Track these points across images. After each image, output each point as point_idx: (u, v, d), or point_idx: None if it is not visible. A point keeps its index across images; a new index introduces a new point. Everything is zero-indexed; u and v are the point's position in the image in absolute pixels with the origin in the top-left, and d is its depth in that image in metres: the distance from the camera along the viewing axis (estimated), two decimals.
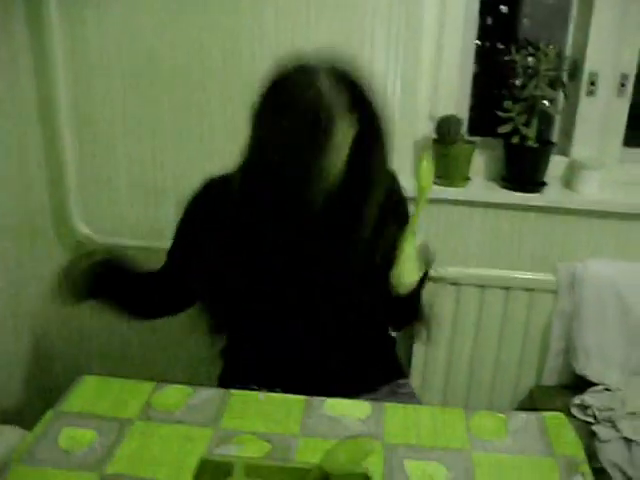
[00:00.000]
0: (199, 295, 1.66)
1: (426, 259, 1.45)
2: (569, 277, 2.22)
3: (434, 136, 2.17)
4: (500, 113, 2.16)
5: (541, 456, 1.31)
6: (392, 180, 1.59)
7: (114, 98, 2.18)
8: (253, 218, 1.48)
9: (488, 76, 2.35)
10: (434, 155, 2.17)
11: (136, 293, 1.70)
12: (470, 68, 2.27)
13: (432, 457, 1.29)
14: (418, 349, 2.34)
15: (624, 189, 2.26)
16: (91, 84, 2.17)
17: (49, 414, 1.38)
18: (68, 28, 2.10)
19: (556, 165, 2.26)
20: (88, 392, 1.46)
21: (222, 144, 2.19)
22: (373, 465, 1.21)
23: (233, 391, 1.48)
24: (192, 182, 2.21)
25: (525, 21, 2.43)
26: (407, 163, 2.22)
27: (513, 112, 2.14)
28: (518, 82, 2.18)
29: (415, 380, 2.34)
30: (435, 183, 2.17)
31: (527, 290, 2.25)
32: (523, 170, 2.20)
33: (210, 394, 1.46)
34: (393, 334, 1.81)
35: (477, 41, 2.26)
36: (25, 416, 2.41)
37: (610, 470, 1.90)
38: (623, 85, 2.19)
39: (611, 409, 2.05)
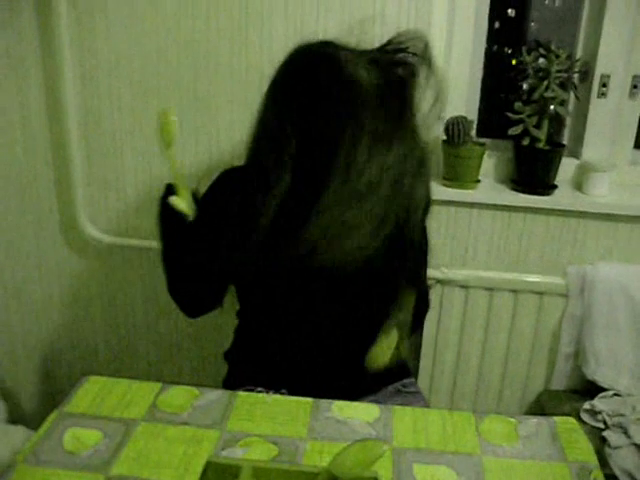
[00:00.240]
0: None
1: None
2: (579, 280, 2.20)
3: (443, 137, 2.15)
4: (510, 115, 2.14)
5: (553, 462, 1.29)
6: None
7: (122, 99, 2.17)
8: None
9: (496, 79, 2.34)
10: (443, 156, 2.15)
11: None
12: (479, 69, 2.25)
13: (441, 461, 1.27)
14: (426, 352, 2.32)
15: (635, 192, 2.23)
16: (99, 84, 2.16)
17: (54, 414, 1.36)
18: (77, 29, 2.09)
19: (566, 167, 2.24)
20: (93, 392, 1.44)
21: (229, 144, 2.18)
22: (382, 469, 1.20)
23: (240, 393, 1.47)
24: (198, 183, 2.22)
25: (532, 25, 2.42)
26: None
27: (523, 114, 2.13)
28: (525, 85, 2.18)
29: (422, 383, 2.33)
30: (445, 185, 2.16)
31: (536, 293, 2.23)
32: (533, 172, 2.18)
33: (216, 396, 1.45)
34: None
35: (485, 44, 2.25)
36: (31, 416, 2.40)
37: (621, 477, 1.88)
38: (635, 87, 2.17)
39: (622, 415, 2.04)
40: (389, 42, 1.53)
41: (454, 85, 2.17)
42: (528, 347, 2.30)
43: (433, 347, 2.31)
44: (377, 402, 1.49)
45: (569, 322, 2.24)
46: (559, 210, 2.18)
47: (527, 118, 2.13)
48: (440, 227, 2.21)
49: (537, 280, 2.23)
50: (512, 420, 1.42)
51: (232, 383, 1.71)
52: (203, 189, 1.69)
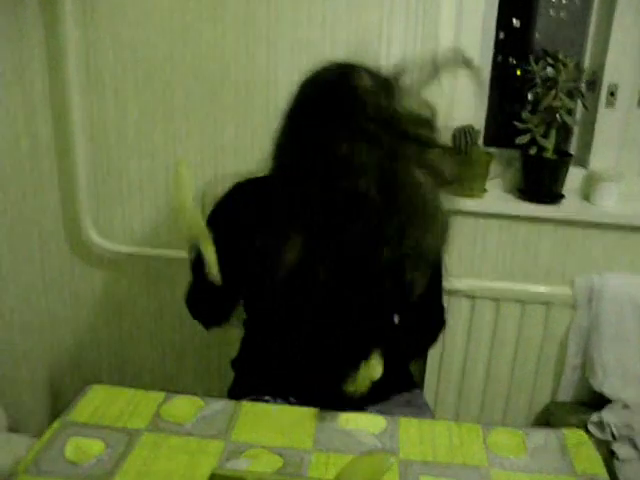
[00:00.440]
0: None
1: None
2: (586, 291, 2.18)
3: (450, 146, 2.14)
4: (518, 124, 2.13)
5: (562, 475, 1.28)
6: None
7: (127, 104, 2.16)
8: (290, 218, 1.45)
9: (501, 89, 2.32)
10: None
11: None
12: (487, 79, 2.24)
13: (449, 474, 1.26)
14: (432, 363, 2.30)
15: None
16: (105, 92, 2.15)
17: (56, 423, 1.35)
18: (82, 30, 2.08)
19: (574, 177, 2.22)
20: (96, 402, 1.43)
21: (237, 152, 2.17)
22: None
23: (244, 403, 1.46)
24: (204, 190, 2.21)
25: (537, 35, 2.41)
26: None
27: (531, 123, 2.11)
28: (530, 95, 2.17)
29: (428, 393, 2.31)
30: (452, 194, 2.15)
31: (543, 304, 2.21)
32: (541, 182, 2.16)
33: (221, 406, 1.43)
34: None
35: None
36: (33, 425, 2.39)
37: None
38: None
39: (630, 427, 2.01)
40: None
41: (462, 92, 2.16)
42: (535, 358, 2.28)
43: (439, 357, 2.29)
44: (384, 412, 1.48)
45: (576, 333, 2.22)
46: (566, 220, 2.17)
47: (534, 127, 2.11)
48: None
49: (544, 290, 2.21)
50: (520, 432, 1.41)
51: (238, 392, 1.70)
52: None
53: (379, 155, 1.34)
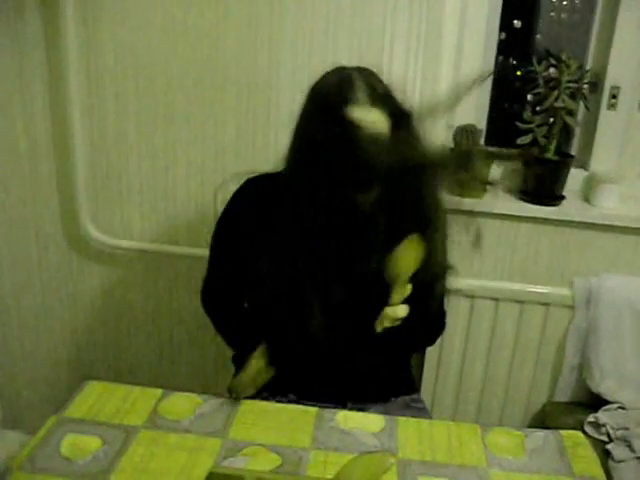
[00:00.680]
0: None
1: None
2: (585, 292, 2.17)
3: (451, 145, 2.13)
4: (519, 124, 2.12)
5: (560, 476, 1.27)
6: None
7: (127, 102, 2.15)
8: (301, 216, 1.44)
9: (501, 90, 2.31)
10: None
11: None
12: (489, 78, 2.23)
13: (447, 474, 1.25)
14: (429, 362, 2.30)
15: None
16: (104, 88, 2.14)
17: (52, 420, 1.34)
18: (83, 30, 2.07)
19: (575, 178, 2.22)
20: (93, 398, 1.42)
21: (235, 148, 2.16)
22: None
23: (243, 401, 1.45)
24: (204, 187, 2.20)
25: (538, 37, 2.40)
26: None
27: (533, 123, 2.11)
28: (530, 97, 2.18)
29: (426, 392, 2.31)
30: (452, 194, 2.14)
31: (542, 304, 2.21)
32: (541, 183, 2.15)
33: (219, 403, 1.43)
34: None
35: None
36: (28, 421, 2.38)
37: None
38: None
39: (626, 428, 2.01)
40: None
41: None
42: (533, 358, 2.28)
43: (437, 357, 2.29)
44: (385, 413, 1.47)
45: (574, 334, 2.21)
46: (566, 221, 2.16)
47: (536, 128, 2.11)
48: None
49: (543, 291, 2.21)
50: (519, 433, 1.41)
51: None
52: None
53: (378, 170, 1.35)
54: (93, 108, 2.16)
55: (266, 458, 1.25)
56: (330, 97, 1.40)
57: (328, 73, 1.45)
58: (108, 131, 2.19)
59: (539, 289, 2.21)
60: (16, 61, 2.12)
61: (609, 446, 1.98)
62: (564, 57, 2.05)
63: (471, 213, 2.08)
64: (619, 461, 1.92)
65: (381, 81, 1.44)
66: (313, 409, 1.42)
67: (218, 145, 2.17)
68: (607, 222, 2.15)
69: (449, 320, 2.11)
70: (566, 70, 2.04)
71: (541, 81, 2.08)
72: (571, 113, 2.11)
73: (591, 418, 2.10)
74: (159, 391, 1.46)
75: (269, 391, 1.59)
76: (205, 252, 2.16)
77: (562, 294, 2.20)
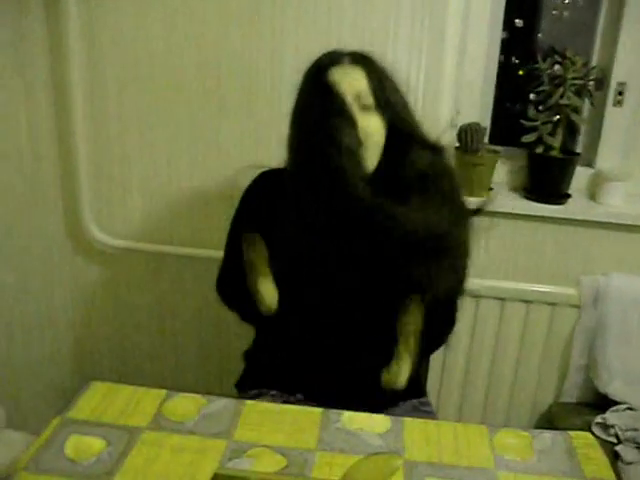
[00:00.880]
0: None
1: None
2: (592, 291, 2.16)
3: (456, 144, 2.12)
4: (524, 122, 2.11)
5: (570, 477, 1.25)
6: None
7: (128, 99, 2.15)
8: (302, 210, 1.43)
9: (502, 89, 2.30)
10: (456, 163, 2.12)
11: None
12: (493, 76, 2.22)
13: (454, 475, 1.23)
14: (434, 362, 2.28)
15: None
16: (107, 86, 2.14)
17: (56, 421, 1.33)
18: (85, 23, 2.07)
19: (580, 176, 2.21)
20: (97, 399, 1.41)
21: (238, 146, 2.15)
22: None
23: (248, 401, 1.43)
24: (206, 186, 2.19)
25: (540, 36, 2.39)
26: None
27: (538, 121, 2.09)
28: (532, 96, 2.16)
29: (431, 393, 2.28)
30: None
31: (548, 304, 2.20)
32: (547, 181, 2.15)
33: (224, 404, 1.41)
34: None
35: None
36: (32, 422, 2.37)
37: None
38: None
39: (635, 429, 2.00)
40: None
41: (468, 91, 2.14)
42: (539, 358, 2.27)
43: (442, 357, 2.28)
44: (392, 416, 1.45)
45: (581, 333, 2.20)
46: (572, 220, 2.15)
47: (541, 126, 2.09)
48: None
49: (549, 290, 2.20)
50: (526, 434, 1.39)
51: (246, 384, 1.69)
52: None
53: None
54: (95, 108, 2.16)
55: (271, 459, 1.23)
56: (312, 67, 1.46)
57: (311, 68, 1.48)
58: (110, 131, 2.19)
59: (545, 288, 2.20)
60: (19, 60, 2.12)
61: (618, 448, 1.97)
62: (569, 54, 2.04)
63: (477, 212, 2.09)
64: (628, 463, 1.91)
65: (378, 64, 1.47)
66: (318, 410, 1.40)
67: (221, 144, 2.16)
68: (613, 220, 2.14)
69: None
70: (571, 67, 2.03)
71: (546, 78, 2.07)
72: (576, 110, 2.10)
73: (599, 419, 2.08)
74: (163, 392, 1.44)
75: (277, 390, 1.58)
76: (207, 252, 2.17)
77: (568, 293, 2.19)
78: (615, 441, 2.00)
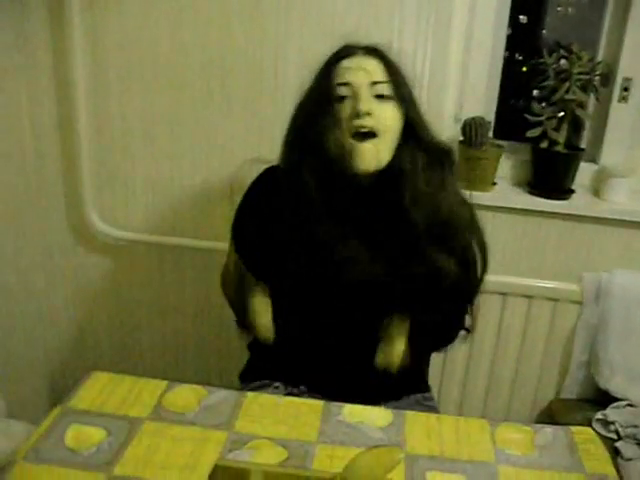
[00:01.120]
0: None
1: None
2: (595, 287, 2.16)
3: (460, 138, 2.11)
4: (529, 117, 2.10)
5: (571, 472, 1.25)
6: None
7: (132, 92, 2.14)
8: (302, 199, 1.46)
9: (509, 85, 2.29)
10: (460, 158, 2.11)
11: None
12: (498, 71, 2.21)
13: (456, 469, 1.23)
14: (435, 357, 2.27)
15: None
16: (109, 78, 2.13)
17: (56, 410, 1.33)
18: (89, 20, 2.06)
19: (584, 172, 2.20)
20: (98, 389, 1.41)
21: (240, 140, 2.14)
22: (394, 476, 1.15)
23: (248, 393, 1.43)
24: (209, 178, 2.18)
25: (544, 32, 2.38)
26: None
27: (543, 116, 2.08)
28: (536, 92, 2.17)
29: (431, 390, 2.29)
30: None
31: (550, 300, 2.19)
32: (551, 176, 2.14)
33: (224, 395, 1.41)
34: None
35: None
36: (32, 412, 2.37)
37: None
38: None
39: (635, 426, 1.99)
40: None
41: (472, 85, 2.14)
42: (540, 354, 2.27)
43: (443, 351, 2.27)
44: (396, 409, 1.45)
45: (583, 330, 2.20)
46: (576, 215, 2.14)
47: (546, 121, 2.09)
48: None
49: (552, 286, 2.19)
50: (528, 428, 1.38)
51: (250, 375, 1.69)
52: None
53: None
54: (98, 99, 2.15)
55: (272, 451, 1.23)
56: (325, 60, 1.47)
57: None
58: (113, 122, 2.18)
59: (547, 284, 2.20)
60: (22, 54, 2.11)
61: (618, 444, 1.97)
62: (575, 49, 2.03)
63: (479, 206, 2.08)
64: (628, 459, 1.91)
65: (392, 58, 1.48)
66: (319, 402, 1.40)
67: (224, 136, 2.15)
68: (617, 217, 2.13)
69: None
70: (577, 62, 2.02)
71: (551, 73, 2.06)
72: (582, 105, 2.09)
73: (599, 415, 2.08)
74: (164, 383, 1.44)
75: (281, 381, 1.58)
76: (210, 244, 2.16)
77: (571, 289, 2.19)
78: (615, 437, 2.00)
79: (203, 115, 2.14)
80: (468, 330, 1.63)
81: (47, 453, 1.20)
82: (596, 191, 2.20)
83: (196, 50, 2.07)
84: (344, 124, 1.41)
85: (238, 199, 1.65)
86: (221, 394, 1.42)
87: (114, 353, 2.50)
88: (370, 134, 1.40)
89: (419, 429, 1.35)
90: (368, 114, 1.39)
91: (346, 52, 1.45)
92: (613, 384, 2.15)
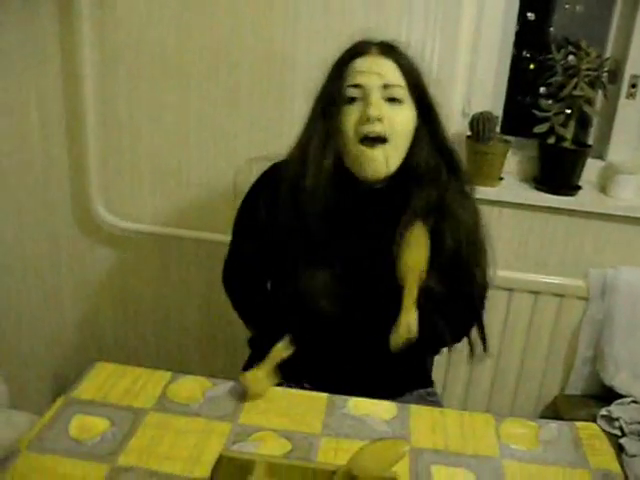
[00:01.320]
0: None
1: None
2: (600, 283, 2.15)
3: (468, 133, 2.11)
4: (537, 112, 2.09)
5: (575, 468, 1.25)
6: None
7: (140, 83, 2.14)
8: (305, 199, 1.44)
9: (516, 82, 2.28)
10: (467, 152, 2.11)
11: None
12: (506, 66, 2.20)
13: (460, 463, 1.23)
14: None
15: None
16: (117, 68, 2.13)
17: (60, 400, 1.33)
18: (97, 12, 2.05)
19: (591, 168, 2.19)
20: (102, 379, 1.41)
21: (249, 131, 2.14)
22: (399, 469, 1.14)
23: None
24: (216, 170, 2.18)
25: (552, 29, 2.38)
26: None
27: (550, 112, 2.08)
28: (543, 89, 2.17)
29: (436, 384, 2.28)
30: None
31: (556, 295, 2.19)
32: (558, 172, 2.13)
33: (229, 387, 1.41)
34: None
35: None
36: (36, 402, 2.37)
37: None
38: None
39: (639, 422, 1.99)
40: None
41: (480, 80, 2.13)
42: (545, 350, 2.27)
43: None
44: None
45: (589, 326, 2.20)
46: (582, 212, 2.14)
47: (554, 116, 2.08)
48: None
49: (557, 282, 2.19)
50: (533, 424, 1.38)
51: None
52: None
53: None
54: (105, 89, 2.15)
55: (276, 443, 1.23)
56: (338, 57, 1.44)
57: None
58: (120, 113, 2.18)
59: (553, 280, 2.20)
60: (31, 49, 2.11)
61: (622, 440, 1.97)
62: (583, 45, 2.03)
63: (486, 201, 2.08)
64: (632, 456, 1.91)
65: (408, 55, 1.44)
66: (324, 395, 1.40)
67: (231, 128, 2.15)
68: (623, 213, 2.13)
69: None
70: (585, 58, 2.01)
71: (559, 69, 2.05)
72: (589, 102, 2.09)
73: (604, 412, 2.08)
74: (168, 374, 1.44)
75: (284, 378, 1.57)
76: (216, 236, 2.16)
77: (577, 285, 2.18)
78: (619, 434, 2.00)
79: (210, 110, 2.14)
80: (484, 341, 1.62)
81: (51, 443, 1.20)
82: (603, 187, 2.20)
83: (204, 46, 2.07)
84: (353, 128, 1.39)
85: (242, 193, 1.64)
86: (226, 386, 1.41)
87: (118, 344, 2.50)
88: (380, 139, 1.38)
89: (424, 423, 1.35)
90: (379, 119, 1.36)
91: (360, 49, 1.41)
92: (618, 380, 2.15)
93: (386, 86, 1.38)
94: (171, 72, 2.11)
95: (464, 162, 1.57)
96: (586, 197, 2.15)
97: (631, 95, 2.14)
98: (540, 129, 2.10)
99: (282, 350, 1.42)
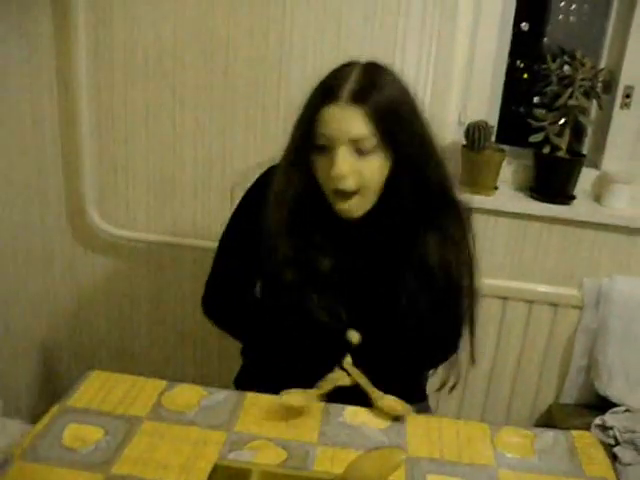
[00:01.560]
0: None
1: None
2: (595, 293, 2.16)
3: (463, 142, 2.11)
4: (532, 122, 2.10)
5: (570, 477, 1.24)
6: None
7: (134, 91, 2.14)
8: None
9: (510, 92, 2.29)
10: (462, 161, 2.11)
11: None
12: (502, 76, 2.22)
13: (456, 472, 1.22)
14: None
15: None
16: (113, 73, 2.13)
17: (54, 409, 1.32)
18: (92, 17, 2.06)
19: (586, 178, 2.20)
20: (96, 387, 1.40)
21: (242, 139, 2.14)
22: (395, 478, 1.14)
23: (249, 394, 1.42)
24: (210, 178, 2.18)
25: (545, 40, 2.38)
26: None
27: (545, 121, 2.08)
28: (537, 99, 2.19)
29: (430, 391, 2.28)
30: (462, 190, 2.12)
31: (551, 304, 2.20)
32: (552, 181, 2.14)
33: (224, 396, 1.40)
34: None
35: None
36: (28, 411, 2.36)
37: None
38: None
39: (633, 431, 1.99)
40: None
41: (476, 89, 2.14)
42: (540, 359, 2.27)
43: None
44: None
45: (583, 335, 2.20)
46: (577, 221, 2.15)
47: (549, 126, 2.09)
48: None
49: (552, 291, 2.20)
50: (528, 432, 1.38)
51: (244, 381, 1.68)
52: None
53: None
54: (101, 97, 2.15)
55: (272, 452, 1.23)
56: (314, 90, 1.39)
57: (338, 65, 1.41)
58: (115, 120, 2.18)
59: (548, 289, 2.20)
60: (25, 51, 2.11)
61: (616, 449, 1.97)
62: (578, 55, 2.04)
63: (481, 211, 2.08)
64: (626, 464, 1.91)
65: (389, 76, 1.38)
66: (320, 404, 1.39)
67: (226, 136, 2.15)
68: (618, 223, 2.13)
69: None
70: (580, 68, 2.02)
71: (554, 79, 2.06)
72: (584, 112, 2.10)
73: (598, 420, 2.08)
74: (163, 382, 1.43)
75: (280, 388, 1.56)
76: (210, 244, 2.14)
77: (571, 294, 2.19)
78: (613, 443, 2.00)
79: (205, 117, 2.14)
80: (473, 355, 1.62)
81: (44, 452, 1.19)
82: (597, 197, 2.20)
83: (199, 50, 2.07)
84: (324, 178, 1.37)
85: (238, 199, 1.63)
86: (221, 394, 1.41)
87: (112, 351, 2.50)
88: (351, 193, 1.35)
89: (420, 432, 1.34)
90: (345, 177, 1.32)
91: (331, 94, 1.33)
92: (612, 389, 2.16)
93: (353, 140, 1.31)
94: (166, 78, 2.11)
95: (464, 205, 1.52)
96: (581, 206, 2.16)
97: (625, 105, 2.15)
98: (535, 138, 2.11)
99: (340, 378, 1.42)
